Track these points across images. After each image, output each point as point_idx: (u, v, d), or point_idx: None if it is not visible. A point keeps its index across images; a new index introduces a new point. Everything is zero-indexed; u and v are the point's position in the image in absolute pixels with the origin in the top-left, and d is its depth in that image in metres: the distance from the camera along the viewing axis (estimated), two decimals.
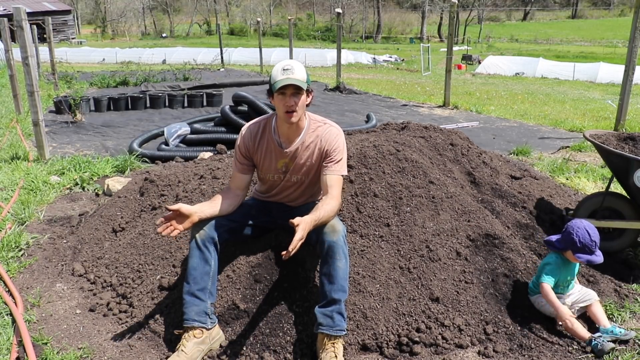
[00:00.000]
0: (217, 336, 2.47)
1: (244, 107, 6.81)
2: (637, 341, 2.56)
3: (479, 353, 2.48)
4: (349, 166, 3.17)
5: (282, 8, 74.66)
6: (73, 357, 2.42)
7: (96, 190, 4.88)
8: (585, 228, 2.62)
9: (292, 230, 2.16)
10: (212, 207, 2.52)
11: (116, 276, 3.06)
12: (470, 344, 2.52)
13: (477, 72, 24.08)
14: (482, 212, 3.21)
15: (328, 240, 2.37)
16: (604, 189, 3.92)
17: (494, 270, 2.87)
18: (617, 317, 2.79)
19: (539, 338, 2.56)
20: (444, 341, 2.51)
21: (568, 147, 6.88)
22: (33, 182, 4.96)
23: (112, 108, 10.05)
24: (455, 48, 29.95)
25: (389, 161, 3.30)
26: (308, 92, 2.49)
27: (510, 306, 2.73)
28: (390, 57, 33.20)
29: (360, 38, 57.95)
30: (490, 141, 7.39)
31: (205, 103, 10.55)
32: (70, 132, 7.90)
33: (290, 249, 2.08)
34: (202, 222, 2.48)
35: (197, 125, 6.85)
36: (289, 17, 27.08)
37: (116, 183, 4.69)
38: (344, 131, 2.77)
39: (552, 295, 2.60)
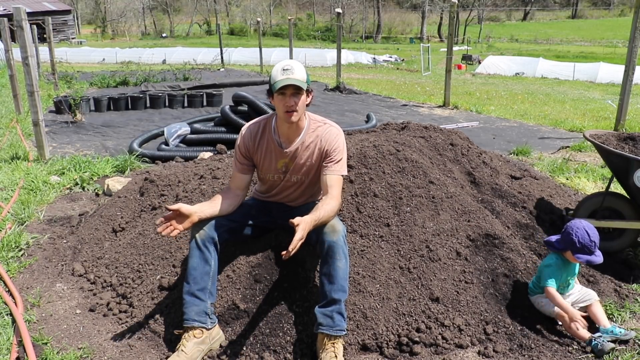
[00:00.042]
0: (217, 336, 2.47)
1: (244, 107, 6.81)
2: (637, 341, 2.56)
3: (479, 353, 2.48)
4: (349, 166, 3.17)
5: (282, 8, 74.66)
6: (73, 357, 2.42)
7: (96, 190, 4.88)
8: (585, 228, 2.61)
9: (292, 230, 2.16)
10: (212, 207, 2.52)
11: (116, 276, 3.06)
12: (470, 344, 2.52)
13: (477, 72, 24.08)
14: (482, 212, 3.21)
15: (328, 240, 2.37)
16: (604, 189, 3.92)
17: (494, 270, 2.87)
18: (617, 317, 2.79)
19: (539, 338, 2.56)
20: (444, 341, 2.51)
21: (568, 147, 6.88)
22: (33, 182, 4.96)
23: (112, 108, 10.05)
24: (455, 48, 29.94)
25: (389, 161, 3.30)
26: (308, 92, 2.49)
27: (510, 306, 2.73)
28: (390, 57, 33.21)
29: (360, 38, 57.95)
30: (490, 141, 7.39)
31: (205, 103, 10.56)
32: (70, 132, 7.90)
33: (290, 248, 2.08)
34: (202, 222, 2.48)
35: (197, 125, 6.85)
36: (289, 17, 27.08)
37: (116, 183, 4.69)
38: (344, 131, 2.77)
39: (559, 297, 2.60)
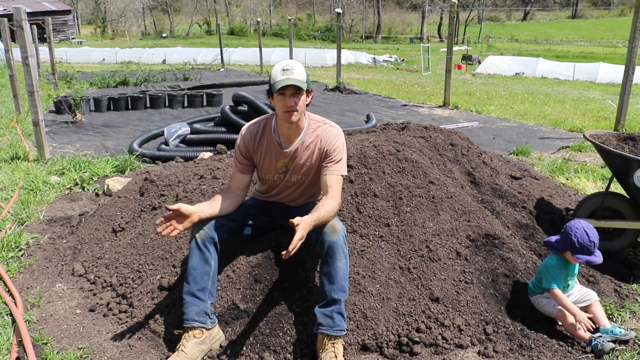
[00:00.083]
0: (217, 336, 2.47)
1: (244, 107, 6.81)
2: (637, 341, 2.56)
3: (479, 353, 2.48)
4: (349, 166, 3.17)
5: (282, 8, 74.67)
6: (73, 357, 2.42)
7: (96, 190, 4.88)
8: (584, 228, 2.61)
9: (292, 230, 2.16)
10: (212, 207, 2.52)
11: (116, 276, 3.06)
12: (470, 344, 2.52)
13: (477, 72, 24.08)
14: (482, 212, 3.21)
15: (328, 240, 2.37)
16: (604, 189, 3.92)
17: (494, 270, 2.87)
18: (617, 317, 2.79)
19: (539, 338, 2.56)
20: (444, 341, 2.51)
21: (568, 147, 6.88)
22: (33, 182, 4.96)
23: (112, 108, 10.05)
24: (455, 48, 29.94)
25: (389, 161, 3.30)
26: (308, 92, 2.49)
27: (510, 306, 2.73)
28: (390, 57, 33.21)
29: (360, 38, 57.95)
30: (490, 141, 7.39)
31: (205, 103, 10.56)
32: (70, 132, 7.90)
33: (290, 248, 2.08)
34: (202, 222, 2.48)
35: (197, 125, 6.85)
36: (289, 17, 27.08)
37: (116, 183, 4.69)
38: (344, 131, 2.77)
39: (566, 299, 2.59)
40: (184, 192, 3.51)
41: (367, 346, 2.48)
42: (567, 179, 5.23)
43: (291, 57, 16.91)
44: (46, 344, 2.53)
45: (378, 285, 2.67)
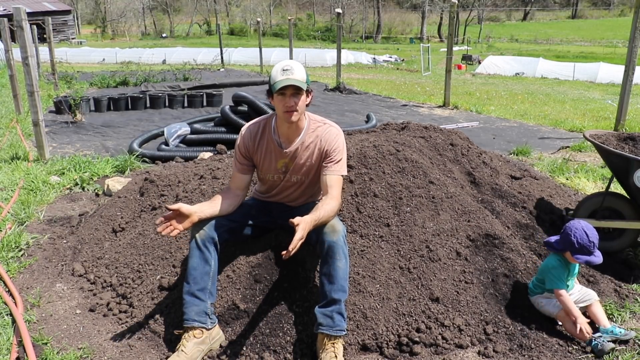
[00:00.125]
0: (217, 336, 2.47)
1: (244, 107, 6.81)
2: (637, 341, 2.56)
3: (479, 353, 2.48)
4: (349, 166, 3.17)
5: (282, 8, 74.67)
6: (73, 357, 2.42)
7: (96, 191, 4.88)
8: (583, 229, 2.61)
9: (292, 230, 2.16)
10: (212, 207, 2.52)
11: (116, 276, 3.06)
12: (470, 344, 2.52)
13: (477, 72, 24.08)
14: (482, 212, 3.21)
15: (328, 240, 2.37)
16: (604, 189, 3.92)
17: (494, 270, 2.87)
18: (617, 317, 2.79)
19: (539, 338, 2.56)
20: (444, 341, 2.51)
21: (568, 147, 6.88)
22: (33, 182, 4.96)
23: (112, 108, 10.05)
24: (455, 48, 29.94)
25: (389, 161, 3.30)
26: (308, 92, 2.49)
27: (510, 306, 2.73)
28: (390, 57, 33.20)
29: (360, 38, 57.95)
30: (490, 141, 7.39)
31: (205, 103, 10.56)
32: (70, 132, 7.90)
33: (290, 248, 2.08)
34: (202, 222, 2.48)
35: (197, 125, 6.85)
36: (289, 17, 27.08)
37: (116, 183, 4.69)
38: (344, 131, 2.77)
39: (571, 302, 2.59)
40: (184, 192, 3.51)
41: (367, 346, 2.48)
42: (567, 179, 5.23)
43: (291, 57, 16.92)
44: (46, 344, 2.53)
45: (378, 285, 2.67)
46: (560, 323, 2.66)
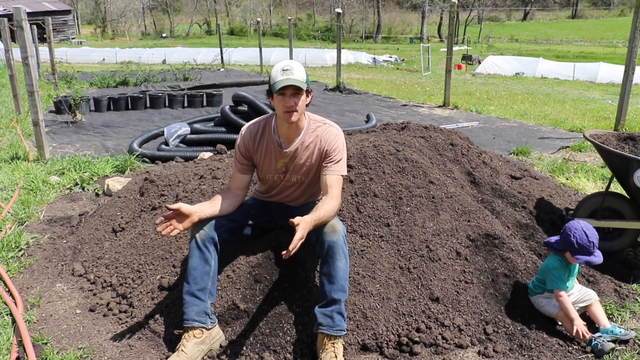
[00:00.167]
0: (217, 336, 2.47)
1: (244, 107, 6.82)
2: (637, 341, 2.56)
3: (479, 353, 2.48)
4: (349, 166, 3.17)
5: (282, 8, 74.67)
6: (73, 357, 2.42)
7: (96, 190, 4.88)
8: (583, 229, 2.61)
9: (292, 230, 2.16)
10: (212, 207, 2.52)
11: (116, 276, 3.06)
12: (470, 344, 2.52)
13: (477, 72, 24.08)
14: (482, 212, 3.21)
15: (328, 240, 2.37)
16: (604, 189, 3.92)
17: (494, 270, 2.87)
18: (617, 317, 2.79)
19: (539, 338, 2.56)
20: (444, 341, 2.51)
21: (568, 147, 6.88)
22: (33, 182, 4.96)
23: (112, 108, 10.05)
24: (455, 48, 29.94)
25: (389, 161, 3.30)
26: (308, 92, 2.49)
27: (510, 306, 2.73)
28: (390, 57, 33.20)
29: (360, 38, 57.95)
30: (490, 141, 7.39)
31: (205, 103, 10.56)
32: (70, 132, 7.90)
33: (290, 248, 2.08)
34: (202, 222, 2.48)
35: (197, 125, 6.85)
36: (289, 17, 27.08)
37: (116, 183, 4.69)
38: (344, 131, 2.77)
39: (569, 303, 2.58)
40: (184, 192, 3.51)
41: (367, 346, 2.48)
42: (567, 179, 5.23)
43: (291, 57, 16.92)
44: (46, 344, 2.53)
45: (378, 285, 2.67)
46: (560, 323, 2.66)
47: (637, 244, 3.54)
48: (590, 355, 2.46)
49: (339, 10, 14.01)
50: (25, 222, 4.03)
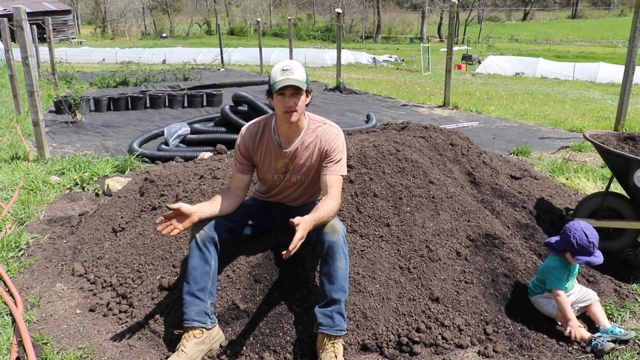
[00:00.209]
0: (217, 336, 2.47)
1: (244, 107, 6.82)
2: (637, 341, 2.56)
3: (479, 353, 2.48)
4: (349, 166, 3.17)
5: (282, 8, 74.67)
6: (73, 357, 2.42)
7: (96, 190, 4.88)
8: (583, 229, 2.61)
9: (292, 230, 2.16)
10: (212, 207, 2.52)
11: (116, 276, 3.06)
12: (470, 344, 2.52)
13: (477, 72, 24.08)
14: (482, 212, 3.21)
15: (328, 240, 2.37)
16: (604, 189, 3.92)
17: (494, 270, 2.87)
18: (617, 317, 2.79)
19: (539, 338, 2.56)
20: (444, 341, 2.51)
21: (568, 147, 6.88)
22: (33, 182, 4.96)
23: (112, 108, 10.05)
24: (455, 48, 29.93)
25: (389, 161, 3.30)
26: (307, 92, 2.49)
27: (510, 306, 2.73)
28: (390, 57, 33.19)
29: (360, 38, 57.95)
30: (490, 141, 7.39)
31: (205, 103, 10.56)
32: (70, 132, 7.90)
33: (290, 248, 2.08)
34: (202, 222, 2.48)
35: (197, 125, 6.86)
36: (289, 17, 27.08)
37: (116, 183, 4.69)
38: (344, 131, 2.77)
39: (567, 304, 2.58)
40: (184, 192, 3.51)
41: (367, 346, 2.48)
42: (567, 179, 5.23)
43: (291, 57, 16.92)
44: (46, 344, 2.53)
45: (378, 285, 2.67)
46: (560, 323, 2.66)
47: (637, 244, 3.54)
48: (590, 355, 2.46)
49: (339, 10, 14.01)
50: (25, 222, 4.03)
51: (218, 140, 6.32)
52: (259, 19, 24.98)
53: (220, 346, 2.48)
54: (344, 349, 2.43)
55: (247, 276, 2.67)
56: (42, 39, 21.17)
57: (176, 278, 2.87)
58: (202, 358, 2.40)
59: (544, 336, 2.58)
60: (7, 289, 3.01)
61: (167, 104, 10.49)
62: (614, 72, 19.64)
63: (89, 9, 67.66)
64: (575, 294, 2.75)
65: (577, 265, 2.75)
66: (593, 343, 2.48)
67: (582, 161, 6.09)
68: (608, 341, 2.48)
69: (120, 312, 2.80)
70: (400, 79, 19.46)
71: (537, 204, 3.72)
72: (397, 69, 26.17)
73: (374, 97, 12.37)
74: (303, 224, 2.16)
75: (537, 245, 3.22)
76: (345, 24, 55.05)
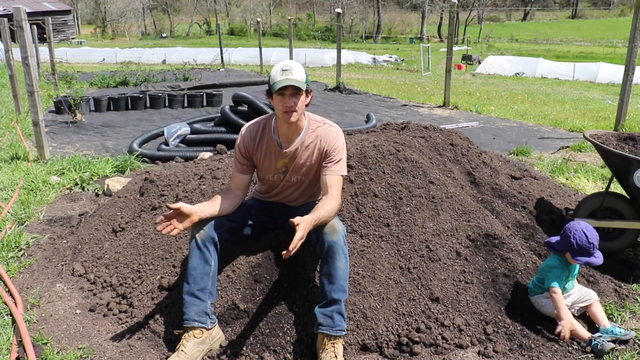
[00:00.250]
0: (217, 336, 2.47)
1: (244, 107, 6.82)
2: (637, 341, 2.56)
3: (479, 353, 2.48)
4: (349, 166, 3.17)
5: (282, 8, 74.67)
6: (73, 357, 2.42)
7: (96, 190, 4.88)
8: (583, 230, 2.61)
9: (292, 230, 2.16)
10: (212, 207, 2.53)
11: (116, 276, 3.06)
12: (470, 344, 2.52)
13: (477, 72, 24.08)
14: (482, 212, 3.21)
15: (328, 240, 2.37)
16: (604, 189, 3.92)
17: (494, 270, 2.87)
18: (617, 317, 2.79)
19: (539, 338, 2.56)
20: (444, 341, 2.51)
21: (568, 147, 6.88)
22: (33, 182, 4.96)
23: (112, 108, 10.05)
24: (455, 48, 29.94)
25: (389, 161, 3.30)
26: (307, 92, 2.49)
27: (510, 306, 2.73)
28: (390, 57, 33.18)
29: (360, 38, 57.95)
30: (490, 141, 7.39)
31: (205, 103, 10.56)
32: (70, 132, 7.90)
33: (290, 248, 2.08)
34: (202, 222, 2.48)
35: (197, 125, 6.86)
36: (289, 17, 27.07)
37: (116, 183, 4.69)
38: (343, 131, 2.77)
39: (562, 302, 2.58)
40: (184, 192, 3.51)
41: (367, 346, 2.48)
42: (567, 179, 5.23)
43: (291, 57, 16.92)
44: (46, 344, 2.53)
45: (378, 285, 2.67)
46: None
47: (637, 244, 3.54)
48: (590, 355, 2.46)
49: (339, 10, 14.01)
50: (25, 222, 4.03)
51: (218, 140, 6.32)
52: (259, 19, 24.99)
53: (220, 346, 2.48)
54: (344, 349, 2.43)
55: (247, 276, 2.67)
56: (42, 39, 21.17)
57: (176, 278, 2.87)
58: (202, 358, 2.40)
59: (544, 336, 2.58)
60: (7, 289, 3.01)
61: (167, 104, 10.49)
62: (614, 72, 19.63)
63: (89, 9, 67.66)
64: (575, 294, 2.75)
65: (577, 265, 2.75)
66: (593, 343, 2.48)
67: (582, 161, 6.09)
68: (608, 341, 2.48)
69: (120, 312, 2.80)
70: (400, 79, 19.46)
71: (537, 204, 3.72)
72: (397, 69, 26.16)
73: (374, 97, 12.37)
74: (303, 224, 2.16)
75: (537, 245, 3.22)
76: (345, 24, 55.05)
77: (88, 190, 4.93)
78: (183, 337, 2.40)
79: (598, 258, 2.61)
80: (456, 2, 11.12)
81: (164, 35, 62.65)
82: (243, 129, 2.64)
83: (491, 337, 2.56)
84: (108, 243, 3.42)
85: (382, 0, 61.66)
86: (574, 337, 2.57)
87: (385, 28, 62.43)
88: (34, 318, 2.75)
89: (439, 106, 10.87)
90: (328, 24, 62.32)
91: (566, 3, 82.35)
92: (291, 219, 2.15)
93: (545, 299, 2.69)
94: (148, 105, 10.40)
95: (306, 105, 2.51)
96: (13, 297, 2.91)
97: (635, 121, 8.59)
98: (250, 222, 2.70)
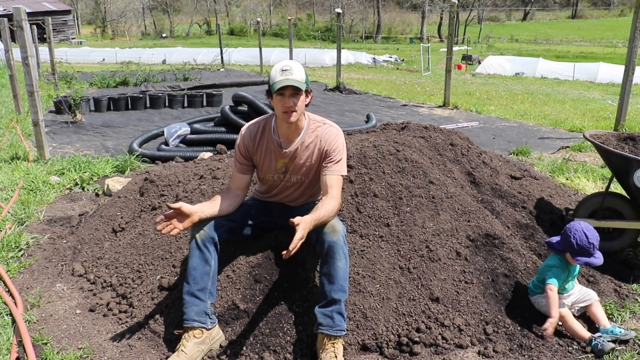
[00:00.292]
0: (217, 336, 2.47)
1: (244, 107, 6.82)
2: (637, 341, 2.56)
3: (479, 353, 2.48)
4: (349, 166, 3.17)
5: (282, 8, 74.67)
6: (73, 357, 2.42)
7: (96, 190, 4.88)
8: (583, 230, 2.61)
9: (292, 230, 2.16)
10: (212, 207, 2.53)
11: (116, 276, 3.06)
12: (470, 344, 2.52)
13: (477, 72, 24.07)
14: (482, 212, 3.21)
15: (328, 240, 2.37)
16: (604, 189, 3.92)
17: (494, 270, 2.87)
18: (617, 317, 2.79)
19: (539, 338, 2.56)
20: (444, 341, 2.51)
21: (568, 147, 6.88)
22: (33, 182, 4.96)
23: (112, 108, 10.06)
24: (455, 48, 29.93)
25: (389, 161, 3.30)
26: (307, 92, 2.49)
27: (510, 306, 2.73)
28: (390, 57, 33.18)
29: (360, 38, 57.94)
30: (490, 141, 7.39)
31: (205, 103, 10.56)
32: (70, 132, 7.90)
33: (290, 248, 2.08)
34: (202, 222, 2.48)
35: (197, 125, 6.86)
36: (289, 17, 27.08)
37: (116, 183, 4.69)
38: (343, 131, 2.77)
39: (555, 300, 2.58)
40: (184, 192, 3.51)
41: (367, 346, 2.49)
42: (567, 179, 5.23)
43: (291, 57, 16.92)
44: (46, 344, 2.53)
45: (378, 285, 2.67)
46: (560, 323, 2.65)
47: (637, 244, 3.54)
48: (590, 355, 2.46)
49: (339, 10, 14.01)
50: (25, 222, 4.03)
51: (218, 141, 6.32)
52: (259, 19, 24.99)
53: (220, 346, 2.48)
54: (344, 349, 2.43)
55: (247, 276, 2.67)
56: (42, 39, 21.17)
57: (176, 278, 2.87)
58: (202, 358, 2.40)
59: (544, 336, 2.58)
60: (7, 289, 3.01)
61: (167, 104, 10.49)
62: (613, 72, 19.63)
63: (89, 9, 67.66)
64: (575, 294, 2.75)
65: (577, 265, 2.75)
66: (593, 343, 2.48)
67: (582, 161, 6.09)
68: (608, 341, 2.48)
69: (120, 312, 2.80)
70: (400, 79, 19.46)
71: (537, 204, 3.72)
72: (397, 69, 26.16)
73: (374, 97, 12.37)
74: (303, 224, 2.16)
75: (537, 245, 3.22)
76: (345, 24, 55.05)
77: (88, 190, 4.93)
78: (183, 337, 2.40)
79: (598, 258, 2.61)
80: (456, 2, 11.12)
81: (164, 35, 62.65)
82: (243, 129, 2.64)
83: (491, 337, 2.56)
84: (108, 243, 3.42)
85: (382, 0, 61.66)
86: (574, 337, 2.57)
87: (385, 28, 62.43)
88: (34, 318, 2.75)
89: (439, 106, 10.87)
90: (328, 24, 62.32)
91: (566, 3, 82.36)
92: (291, 219, 2.15)
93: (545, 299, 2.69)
94: (148, 105, 10.40)
95: (306, 106, 2.51)
96: (13, 297, 2.91)
97: (635, 121, 8.59)
98: (250, 222, 2.70)
